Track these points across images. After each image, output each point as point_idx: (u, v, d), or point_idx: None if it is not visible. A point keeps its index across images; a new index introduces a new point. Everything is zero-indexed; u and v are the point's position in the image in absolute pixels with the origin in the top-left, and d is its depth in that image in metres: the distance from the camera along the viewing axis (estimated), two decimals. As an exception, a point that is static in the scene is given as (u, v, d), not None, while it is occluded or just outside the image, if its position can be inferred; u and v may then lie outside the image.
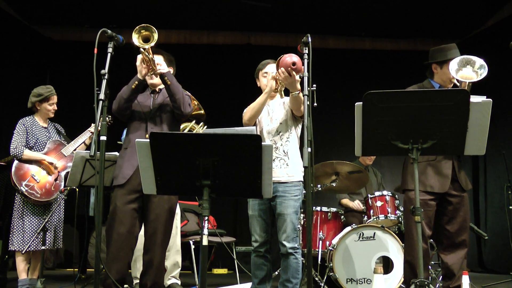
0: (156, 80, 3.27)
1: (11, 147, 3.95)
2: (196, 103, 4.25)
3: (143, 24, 2.96)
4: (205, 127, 4.32)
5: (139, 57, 3.11)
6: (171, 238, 4.14)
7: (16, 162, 3.96)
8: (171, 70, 3.33)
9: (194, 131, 4.24)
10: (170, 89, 3.13)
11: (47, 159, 4.00)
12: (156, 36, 2.95)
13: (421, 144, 2.57)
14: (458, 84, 3.03)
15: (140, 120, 3.23)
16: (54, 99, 4.15)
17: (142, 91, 3.20)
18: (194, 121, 4.25)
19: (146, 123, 3.22)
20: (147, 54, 3.06)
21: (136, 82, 3.13)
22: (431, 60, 3.27)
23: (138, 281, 3.81)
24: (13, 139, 3.97)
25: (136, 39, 2.95)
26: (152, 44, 2.99)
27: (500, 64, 6.10)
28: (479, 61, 2.90)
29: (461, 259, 3.18)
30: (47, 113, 4.14)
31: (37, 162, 3.98)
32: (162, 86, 3.30)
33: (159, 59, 3.26)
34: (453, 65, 2.93)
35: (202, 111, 4.30)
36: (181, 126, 4.16)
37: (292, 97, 3.10)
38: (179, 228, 4.31)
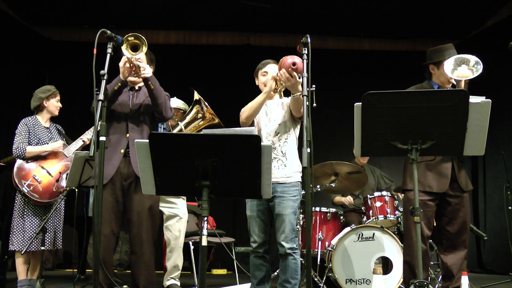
0: (136, 78, 3.22)
1: (13, 148, 3.93)
2: (212, 116, 4.20)
3: (131, 33, 2.94)
4: None
5: (123, 58, 3.07)
6: (175, 239, 4.17)
7: (18, 162, 3.94)
8: (151, 70, 3.31)
9: None
10: (153, 94, 3.12)
11: (52, 147, 4.01)
12: (145, 48, 2.93)
13: (420, 144, 2.58)
14: (456, 83, 3.02)
15: (120, 120, 3.21)
16: (59, 96, 4.19)
17: (123, 89, 3.19)
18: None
19: (127, 123, 3.20)
20: (133, 61, 3.05)
21: (119, 84, 3.10)
22: (428, 61, 3.27)
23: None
24: (15, 139, 3.95)
25: (124, 49, 2.92)
26: (140, 54, 2.98)
27: (499, 64, 6.11)
28: (473, 59, 2.89)
29: (460, 260, 3.18)
30: (54, 110, 4.15)
31: (39, 162, 3.98)
32: (141, 84, 3.28)
33: (141, 57, 3.20)
34: (448, 65, 2.92)
35: (217, 120, 4.25)
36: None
37: (293, 98, 3.10)
38: (184, 231, 4.31)
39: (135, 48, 2.96)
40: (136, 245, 3.11)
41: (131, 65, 3.08)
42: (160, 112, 3.17)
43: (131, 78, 3.23)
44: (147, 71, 3.11)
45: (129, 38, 2.93)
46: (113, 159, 3.11)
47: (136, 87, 3.35)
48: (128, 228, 3.17)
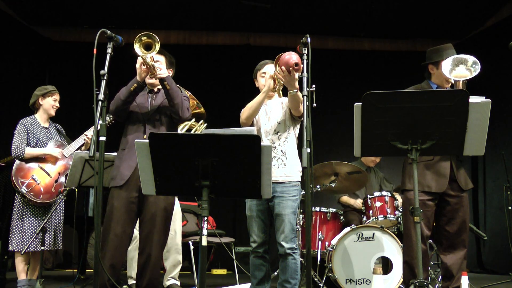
0: (155, 80, 3.25)
1: (12, 148, 3.93)
2: (195, 102, 4.24)
3: (143, 32, 2.96)
4: (205, 125, 4.31)
5: (139, 59, 3.10)
6: (171, 239, 4.16)
7: (16, 163, 3.95)
8: (171, 72, 3.31)
9: (194, 130, 4.22)
10: (169, 94, 3.12)
11: (52, 152, 4.00)
12: (158, 46, 2.95)
13: (420, 144, 2.58)
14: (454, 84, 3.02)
15: (138, 121, 3.22)
16: (58, 96, 4.17)
17: (140, 90, 3.21)
18: (193, 119, 4.25)
19: (144, 124, 3.21)
20: (148, 61, 3.06)
21: (135, 85, 3.12)
22: (427, 61, 3.27)
23: (134, 281, 3.78)
24: (14, 140, 3.96)
25: (137, 48, 2.94)
26: (154, 53, 2.99)
27: (499, 64, 6.12)
28: (471, 59, 2.89)
29: (460, 260, 3.18)
30: (49, 108, 4.12)
31: (38, 162, 3.98)
32: (160, 86, 3.31)
33: (160, 59, 3.25)
34: (446, 65, 2.92)
35: (202, 110, 4.28)
36: (181, 125, 4.16)
37: (290, 95, 3.11)
38: (180, 229, 4.30)
39: (148, 48, 2.98)
40: (146, 245, 3.09)
41: (147, 66, 3.09)
42: (176, 113, 3.17)
43: (149, 80, 3.24)
44: (163, 71, 3.12)
45: (142, 38, 2.95)
46: (130, 160, 3.11)
47: (155, 89, 3.35)
48: (140, 228, 3.15)
